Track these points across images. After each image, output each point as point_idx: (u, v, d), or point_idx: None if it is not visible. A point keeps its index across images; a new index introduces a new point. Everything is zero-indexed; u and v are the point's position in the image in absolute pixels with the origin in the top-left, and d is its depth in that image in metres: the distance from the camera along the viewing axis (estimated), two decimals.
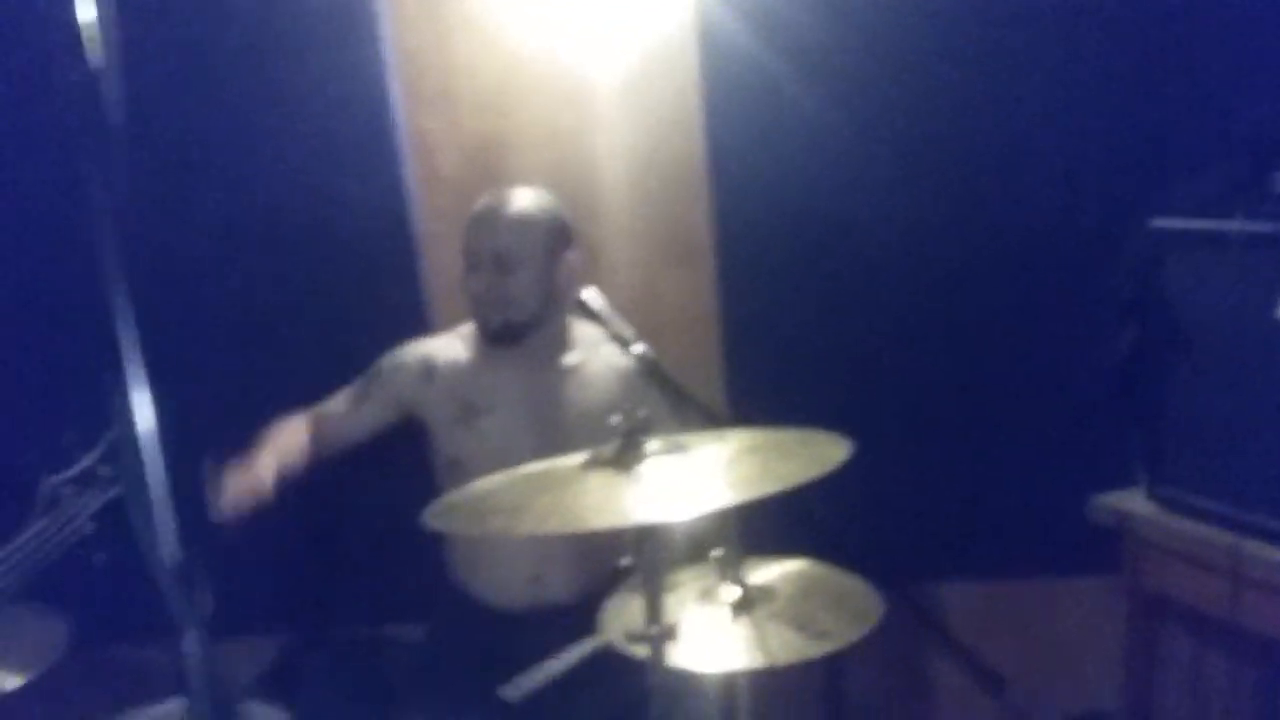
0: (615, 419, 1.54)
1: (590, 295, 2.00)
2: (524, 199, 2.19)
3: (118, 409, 0.73)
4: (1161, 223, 2.14)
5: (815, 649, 1.75)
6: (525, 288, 2.15)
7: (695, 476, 1.49)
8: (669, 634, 1.56)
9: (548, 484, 1.54)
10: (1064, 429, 2.46)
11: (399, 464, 2.34)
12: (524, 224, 2.17)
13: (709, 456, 1.55)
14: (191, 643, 0.72)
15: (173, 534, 0.74)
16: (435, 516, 1.55)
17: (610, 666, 1.95)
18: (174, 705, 2.01)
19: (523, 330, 2.20)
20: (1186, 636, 2.36)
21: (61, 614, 1.94)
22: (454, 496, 1.63)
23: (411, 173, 2.50)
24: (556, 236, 2.21)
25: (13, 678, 1.78)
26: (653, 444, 1.53)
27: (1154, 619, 2.39)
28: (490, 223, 2.17)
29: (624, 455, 1.52)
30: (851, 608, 1.83)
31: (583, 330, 2.27)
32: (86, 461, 1.79)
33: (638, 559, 1.52)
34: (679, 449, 1.55)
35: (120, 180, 0.80)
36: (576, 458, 1.60)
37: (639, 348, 1.96)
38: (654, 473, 1.49)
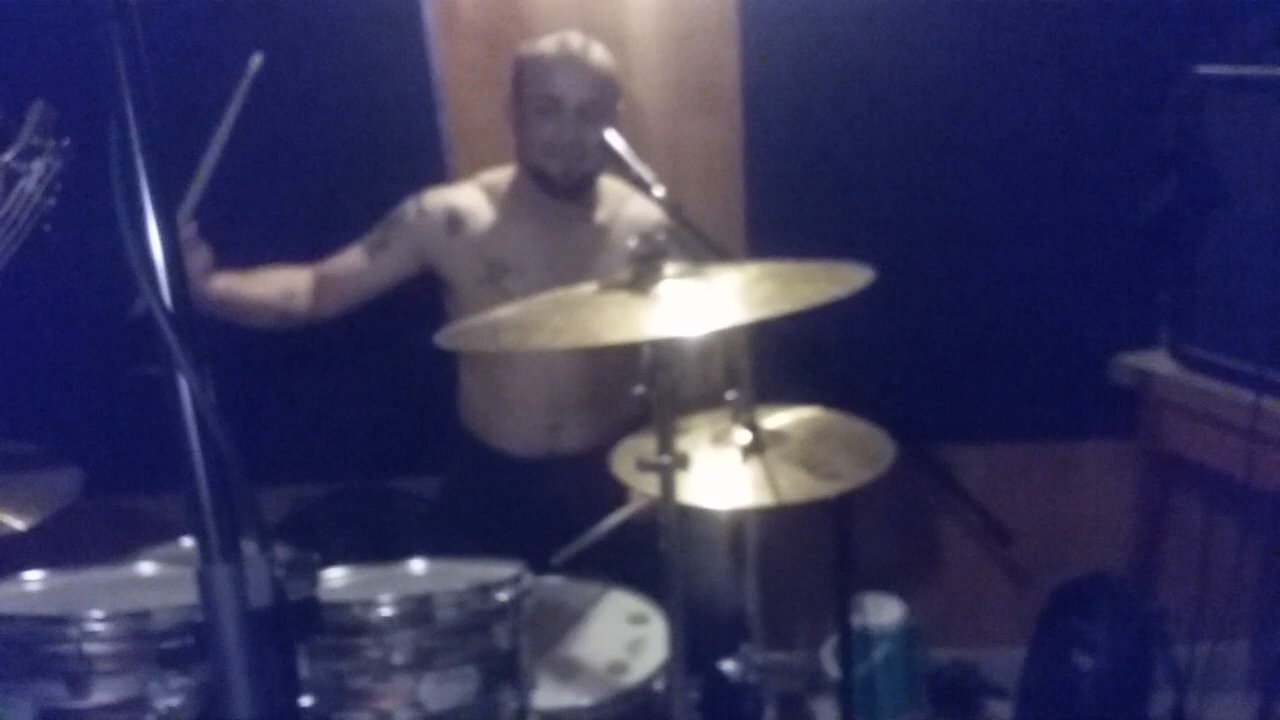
0: (633, 242, 1.51)
1: (611, 136, 1.95)
2: (599, 49, 2.12)
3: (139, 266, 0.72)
4: (1207, 69, 2.08)
5: (825, 489, 1.75)
6: (599, 139, 2.09)
7: (714, 297, 1.47)
8: (680, 463, 1.55)
9: (563, 305, 1.53)
10: (1089, 285, 2.43)
11: (411, 315, 2.30)
12: (607, 75, 2.12)
13: (728, 280, 1.53)
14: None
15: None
16: (449, 338, 1.55)
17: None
18: (189, 543, 2.05)
19: (588, 182, 2.17)
20: (1198, 498, 2.38)
21: (74, 461, 1.96)
22: (467, 321, 1.63)
23: (432, 16, 2.43)
24: (619, 88, 2.17)
25: (21, 519, 1.80)
26: (670, 268, 1.51)
27: (1167, 480, 2.40)
28: (577, 71, 2.08)
29: (641, 278, 1.49)
30: (863, 451, 1.83)
31: (609, 186, 2.23)
32: (25, 136, 1.80)
33: (651, 386, 1.51)
34: (697, 274, 1.53)
35: None
36: (592, 284, 1.59)
37: (659, 190, 1.92)
38: (671, 294, 1.47)
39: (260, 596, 0.73)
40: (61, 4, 2.17)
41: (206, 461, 0.74)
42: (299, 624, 0.76)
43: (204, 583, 0.73)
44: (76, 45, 0.77)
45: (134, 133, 0.74)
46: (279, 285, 2.20)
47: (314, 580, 0.76)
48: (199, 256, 1.99)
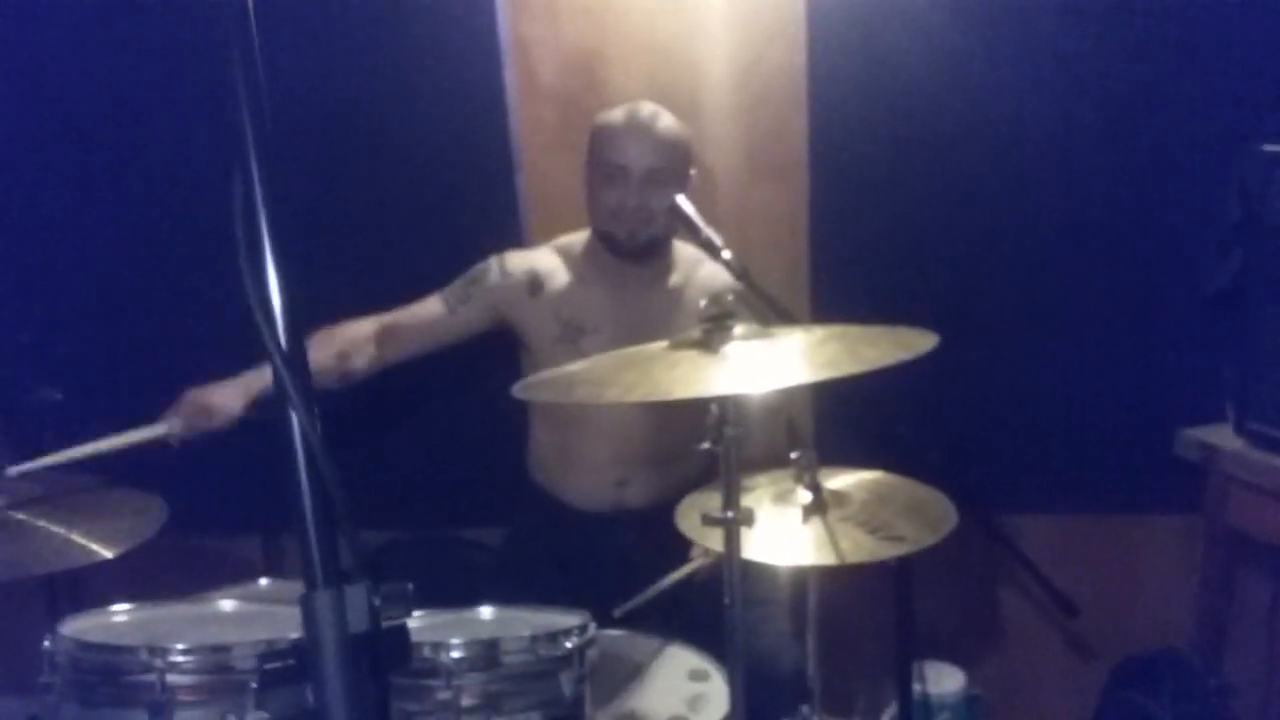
0: (703, 303, 1.56)
1: (682, 201, 2.02)
2: (669, 117, 2.20)
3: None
4: (1272, 147, 2.10)
5: (887, 551, 1.77)
6: (667, 204, 2.11)
7: (780, 357, 1.51)
8: (745, 519, 1.58)
9: (635, 362, 1.57)
10: (1153, 359, 2.43)
11: (482, 370, 2.37)
12: (675, 141, 2.19)
13: (795, 341, 1.57)
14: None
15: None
16: (525, 389, 1.60)
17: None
18: (265, 584, 2.12)
19: (656, 247, 2.23)
20: (1265, 574, 2.35)
21: (158, 498, 2.05)
22: (543, 374, 1.68)
23: (512, 81, 2.51)
24: (690, 155, 2.23)
25: (109, 548, 1.87)
26: (739, 328, 1.55)
27: (1233, 557, 2.37)
28: (644, 137, 2.16)
29: (710, 338, 1.54)
30: (926, 515, 1.85)
31: (681, 250, 2.30)
32: None
33: (717, 443, 1.55)
34: (764, 334, 1.57)
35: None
36: (662, 342, 1.63)
37: (728, 254, 1.97)
38: (739, 354, 1.51)
39: (359, 622, 0.78)
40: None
41: (313, 493, 0.79)
42: (392, 652, 0.81)
43: (308, 607, 0.78)
44: (213, 101, 0.84)
45: (257, 181, 0.81)
46: (334, 349, 2.26)
47: (408, 610, 0.81)
48: (212, 411, 2.18)
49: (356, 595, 0.79)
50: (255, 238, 0.80)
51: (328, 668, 0.77)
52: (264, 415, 2.18)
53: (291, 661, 0.79)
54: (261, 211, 0.79)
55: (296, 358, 0.80)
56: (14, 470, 2.07)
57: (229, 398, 2.18)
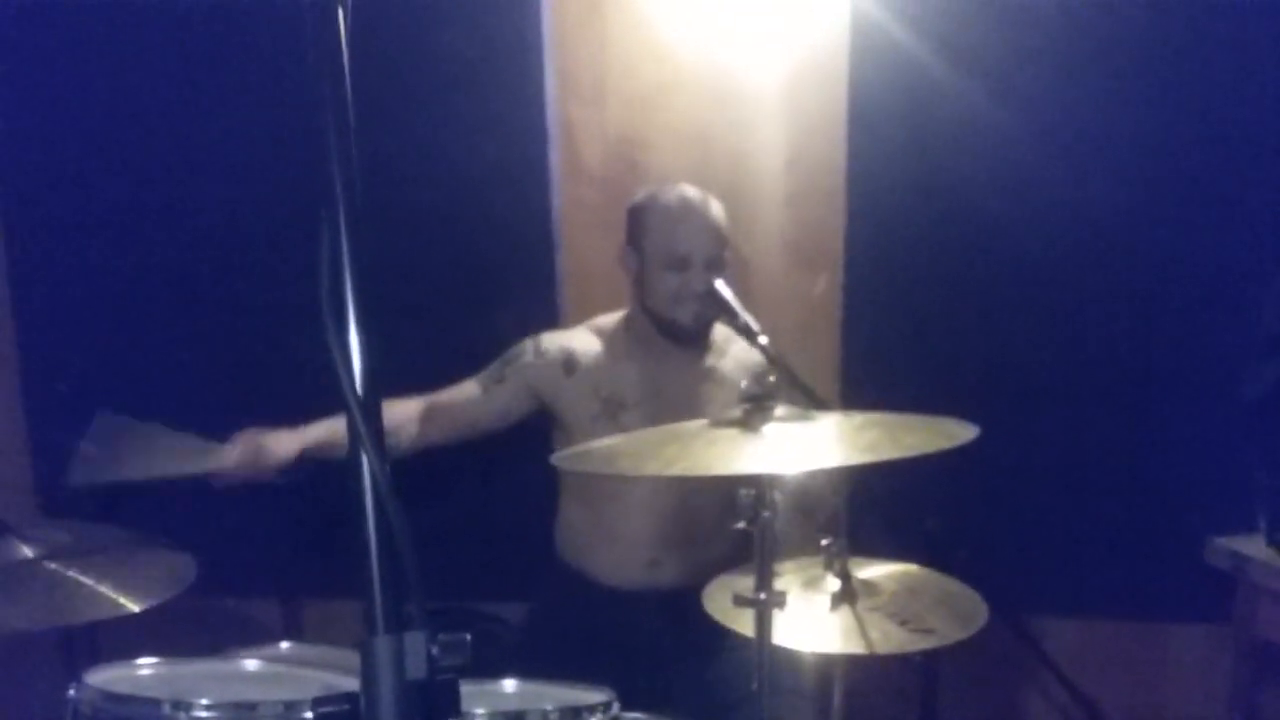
0: (745, 383, 1.58)
1: (720, 285, 2.06)
2: (715, 201, 2.25)
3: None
4: None
5: (917, 643, 1.76)
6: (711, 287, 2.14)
7: (820, 440, 1.53)
8: (777, 601, 1.58)
9: (676, 437, 1.59)
10: (1186, 465, 2.42)
11: (508, 445, 2.38)
12: (723, 226, 2.24)
13: (834, 425, 1.58)
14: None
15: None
16: (566, 460, 1.61)
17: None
18: (287, 646, 2.11)
19: (710, 328, 2.27)
20: None
21: (188, 555, 2.06)
22: (583, 446, 1.70)
23: (557, 162, 2.58)
24: (728, 238, 2.27)
25: (135, 602, 1.88)
26: (780, 410, 1.57)
27: (1261, 668, 2.34)
28: (706, 224, 2.21)
29: (751, 417, 1.55)
30: (956, 610, 1.84)
31: (715, 331, 2.32)
32: None
33: (752, 523, 1.55)
34: (804, 417, 1.58)
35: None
36: (703, 420, 1.65)
37: (763, 339, 2.00)
38: (779, 434, 1.52)
39: (416, 669, 0.78)
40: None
41: (379, 539, 0.80)
42: (444, 703, 0.81)
43: (366, 652, 0.78)
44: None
45: (343, 231, 0.83)
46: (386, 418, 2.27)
47: (465, 660, 0.81)
48: (266, 455, 2.17)
49: (415, 642, 0.79)
50: (339, 286, 0.82)
51: (383, 713, 0.77)
52: (310, 469, 2.20)
53: (346, 706, 0.79)
54: (346, 260, 0.82)
55: (372, 406, 0.82)
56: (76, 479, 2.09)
57: (285, 443, 2.20)
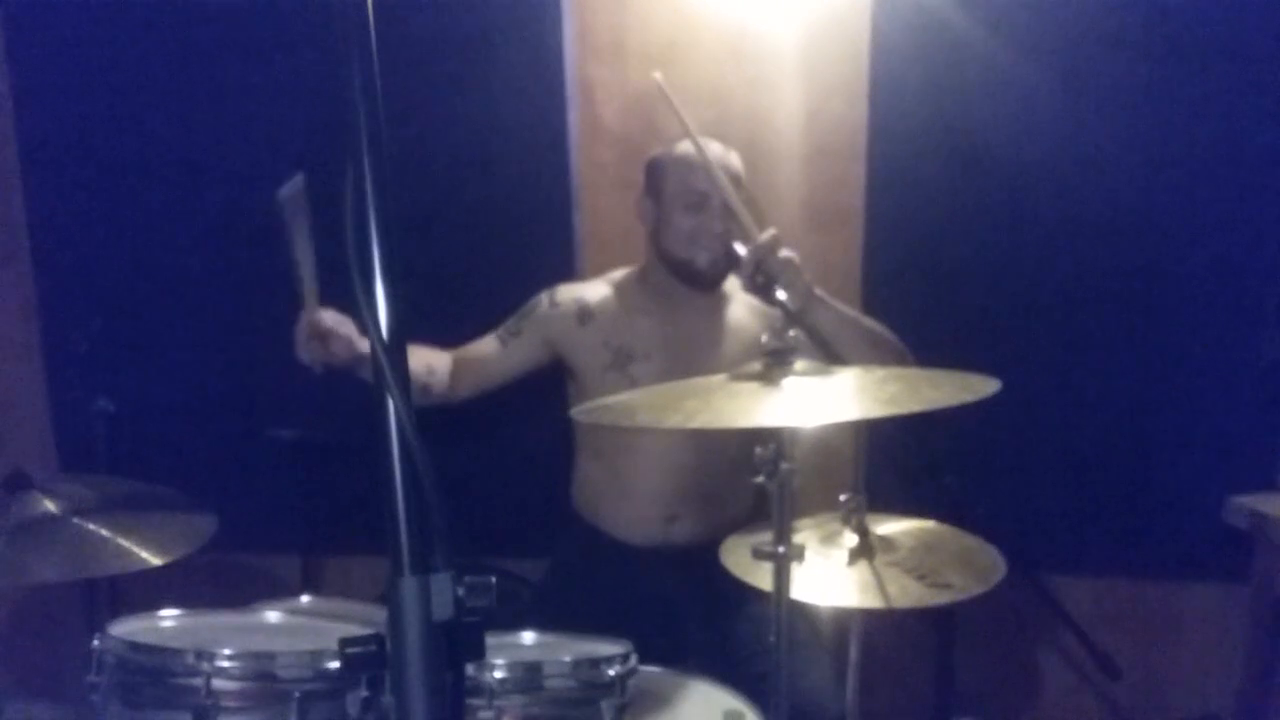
0: (765, 337, 1.57)
1: (739, 245, 2.06)
2: (734, 154, 2.27)
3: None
4: None
5: (934, 598, 1.76)
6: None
7: (841, 393, 1.52)
8: (795, 555, 1.58)
9: (696, 391, 1.59)
10: (1205, 424, 2.41)
11: (524, 400, 2.41)
12: (742, 176, 2.26)
13: (855, 378, 1.58)
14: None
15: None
16: (585, 413, 1.61)
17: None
18: (307, 600, 2.13)
19: (725, 276, 2.27)
20: None
21: (209, 510, 2.07)
22: (604, 399, 1.70)
23: (575, 120, 2.56)
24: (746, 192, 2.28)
25: (157, 556, 1.90)
26: (800, 364, 1.56)
27: (1278, 626, 2.33)
28: (724, 167, 2.20)
29: (771, 371, 1.55)
30: (973, 565, 1.84)
31: (728, 284, 2.32)
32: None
33: (770, 478, 1.55)
34: (825, 371, 1.58)
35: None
36: (723, 374, 1.65)
37: (781, 295, 1.99)
38: (799, 388, 1.52)
39: (443, 610, 0.79)
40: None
41: (405, 478, 0.81)
42: (470, 644, 0.81)
43: (393, 592, 0.79)
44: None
45: (369, 186, 0.83)
46: (423, 360, 2.29)
47: (491, 603, 0.82)
48: (342, 339, 2.06)
49: (442, 584, 0.80)
50: (363, 228, 0.82)
51: (409, 652, 0.78)
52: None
53: (372, 646, 0.80)
54: (371, 203, 0.82)
55: (398, 349, 0.82)
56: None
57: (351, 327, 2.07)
